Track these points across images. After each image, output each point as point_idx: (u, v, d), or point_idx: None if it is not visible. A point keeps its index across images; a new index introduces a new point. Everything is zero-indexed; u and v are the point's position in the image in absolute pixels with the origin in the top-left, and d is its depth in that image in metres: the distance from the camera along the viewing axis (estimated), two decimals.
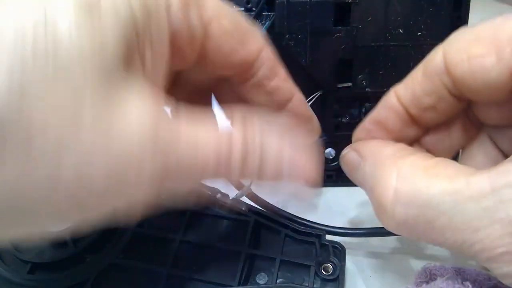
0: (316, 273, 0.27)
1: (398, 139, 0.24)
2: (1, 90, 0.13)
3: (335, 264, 0.27)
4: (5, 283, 0.27)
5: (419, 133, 0.24)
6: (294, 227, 0.29)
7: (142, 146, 0.16)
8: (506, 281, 0.18)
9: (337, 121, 0.34)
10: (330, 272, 0.27)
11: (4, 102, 0.13)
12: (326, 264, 0.27)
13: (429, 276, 0.27)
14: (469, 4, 0.31)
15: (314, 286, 0.26)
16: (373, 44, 0.32)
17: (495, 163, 0.18)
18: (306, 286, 0.26)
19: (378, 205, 0.20)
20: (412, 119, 0.23)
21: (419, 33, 0.31)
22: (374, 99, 0.33)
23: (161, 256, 0.28)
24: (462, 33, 0.21)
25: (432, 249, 0.30)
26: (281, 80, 0.23)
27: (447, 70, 0.21)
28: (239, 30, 0.22)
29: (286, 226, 0.29)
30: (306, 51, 0.32)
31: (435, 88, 0.21)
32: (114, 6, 0.16)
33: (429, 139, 0.24)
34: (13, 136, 0.14)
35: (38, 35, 0.14)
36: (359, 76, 0.32)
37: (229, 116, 0.21)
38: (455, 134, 0.24)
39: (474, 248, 0.17)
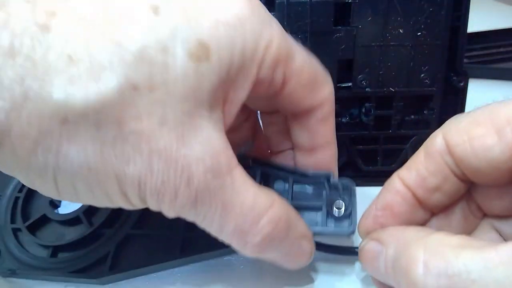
0: (328, 212, 0.26)
1: (406, 224, 0.24)
2: (112, 87, 0.17)
3: (346, 201, 0.26)
4: (30, 269, 0.29)
5: (426, 216, 0.24)
6: (303, 172, 0.27)
7: (198, 170, 0.19)
8: None
9: (337, 121, 0.34)
10: (342, 209, 0.26)
11: (110, 97, 0.17)
12: (337, 201, 0.26)
13: None
14: (469, 4, 0.31)
15: (328, 225, 0.26)
16: (373, 44, 0.32)
17: None
18: (320, 227, 0.26)
19: (407, 281, 0.19)
20: (419, 202, 0.23)
21: (419, 33, 0.31)
22: (374, 99, 0.33)
23: (174, 222, 0.27)
24: (460, 117, 0.22)
25: None
26: (328, 128, 0.26)
27: (449, 151, 0.21)
28: (314, 82, 0.24)
29: (293, 172, 0.28)
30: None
31: (438, 167, 0.22)
32: (219, 58, 0.19)
33: (436, 223, 0.24)
34: (108, 123, 0.18)
35: (157, 58, 0.18)
36: (359, 76, 0.32)
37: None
38: (458, 222, 0.24)
39: None
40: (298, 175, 0.28)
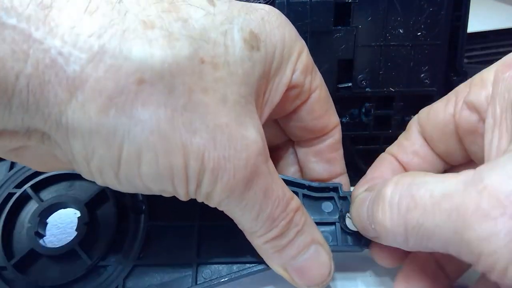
0: (342, 229, 0.26)
1: None
2: (184, 55, 0.18)
3: None
4: None
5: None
6: (310, 185, 0.28)
7: (253, 151, 0.21)
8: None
9: None
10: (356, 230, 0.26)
11: (184, 64, 0.18)
12: (349, 216, 0.26)
13: None
14: (469, 4, 0.31)
15: (342, 242, 0.26)
16: (373, 44, 0.32)
17: None
18: (335, 244, 0.26)
19: (378, 204, 0.22)
20: (403, 166, 0.27)
21: (419, 33, 0.31)
22: (374, 99, 0.33)
23: (183, 248, 0.26)
24: None
25: None
26: (338, 155, 0.29)
27: (418, 121, 0.27)
28: (329, 103, 0.27)
29: (302, 186, 0.28)
30: None
31: (413, 135, 0.27)
32: (265, 50, 0.22)
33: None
34: (179, 85, 0.18)
35: (218, 39, 0.20)
36: (359, 76, 0.32)
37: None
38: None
39: None
40: (307, 188, 0.28)
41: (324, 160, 0.28)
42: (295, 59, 0.24)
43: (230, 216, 0.23)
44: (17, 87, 0.16)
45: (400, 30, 0.31)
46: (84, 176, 0.20)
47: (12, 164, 0.29)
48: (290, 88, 0.24)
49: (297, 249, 0.24)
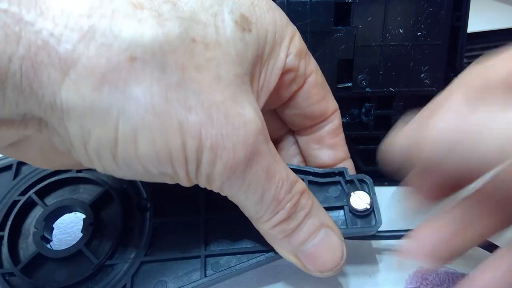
0: (350, 211, 0.26)
1: None
2: (175, 34, 0.18)
3: (366, 196, 0.26)
4: None
5: None
6: (315, 171, 0.27)
7: (251, 129, 0.20)
8: None
9: None
10: (364, 203, 0.26)
11: (175, 42, 0.18)
12: (357, 192, 0.26)
13: (421, 280, 0.27)
14: (469, 4, 0.31)
15: (353, 225, 0.26)
16: (373, 44, 0.32)
17: None
18: (345, 227, 0.25)
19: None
20: None
21: (419, 33, 0.31)
22: (374, 99, 0.33)
23: (191, 242, 0.26)
24: None
25: None
26: (340, 140, 0.28)
27: None
28: (326, 88, 0.27)
29: (307, 173, 0.27)
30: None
31: None
32: (257, 32, 0.22)
33: None
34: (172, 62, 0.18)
35: (208, 20, 0.20)
36: (359, 76, 0.32)
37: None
38: None
39: None
40: (312, 175, 0.27)
41: (326, 146, 0.28)
42: (287, 42, 0.24)
43: (235, 202, 0.23)
44: (10, 70, 0.16)
45: (400, 30, 0.31)
46: (83, 163, 0.20)
47: (16, 173, 0.29)
48: (284, 72, 0.24)
49: (306, 233, 0.23)
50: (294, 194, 0.23)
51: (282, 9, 0.31)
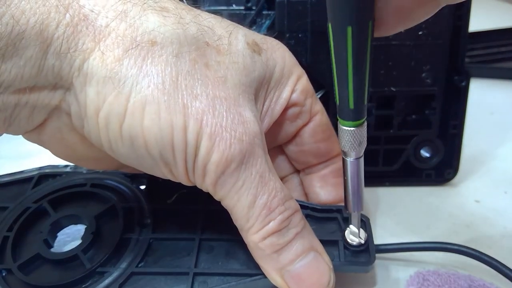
0: (345, 246, 0.26)
1: None
2: (192, 34, 0.22)
3: (362, 233, 0.26)
4: None
5: None
6: (314, 206, 0.28)
7: (249, 130, 0.22)
8: None
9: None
10: (358, 240, 0.26)
11: (191, 40, 0.22)
12: (351, 228, 0.26)
13: (422, 281, 0.27)
14: (470, 4, 0.31)
15: (346, 260, 0.26)
16: (373, 44, 0.31)
17: None
18: (338, 261, 0.25)
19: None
20: None
21: (420, 33, 0.31)
22: (375, 98, 0.33)
23: (183, 258, 0.27)
24: None
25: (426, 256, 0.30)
26: (342, 180, 0.27)
27: None
28: (331, 129, 0.28)
29: (305, 207, 0.28)
30: (307, 50, 0.32)
31: None
32: (267, 59, 0.24)
33: None
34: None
35: (223, 34, 0.23)
36: None
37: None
38: None
39: None
40: (310, 209, 0.28)
41: (329, 184, 0.29)
42: (295, 79, 0.26)
43: (227, 207, 0.23)
44: (56, 34, 0.19)
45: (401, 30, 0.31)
46: (92, 138, 0.22)
47: (36, 184, 0.31)
48: (290, 105, 0.26)
49: (295, 253, 0.23)
50: (287, 208, 0.23)
51: (282, 9, 0.31)
